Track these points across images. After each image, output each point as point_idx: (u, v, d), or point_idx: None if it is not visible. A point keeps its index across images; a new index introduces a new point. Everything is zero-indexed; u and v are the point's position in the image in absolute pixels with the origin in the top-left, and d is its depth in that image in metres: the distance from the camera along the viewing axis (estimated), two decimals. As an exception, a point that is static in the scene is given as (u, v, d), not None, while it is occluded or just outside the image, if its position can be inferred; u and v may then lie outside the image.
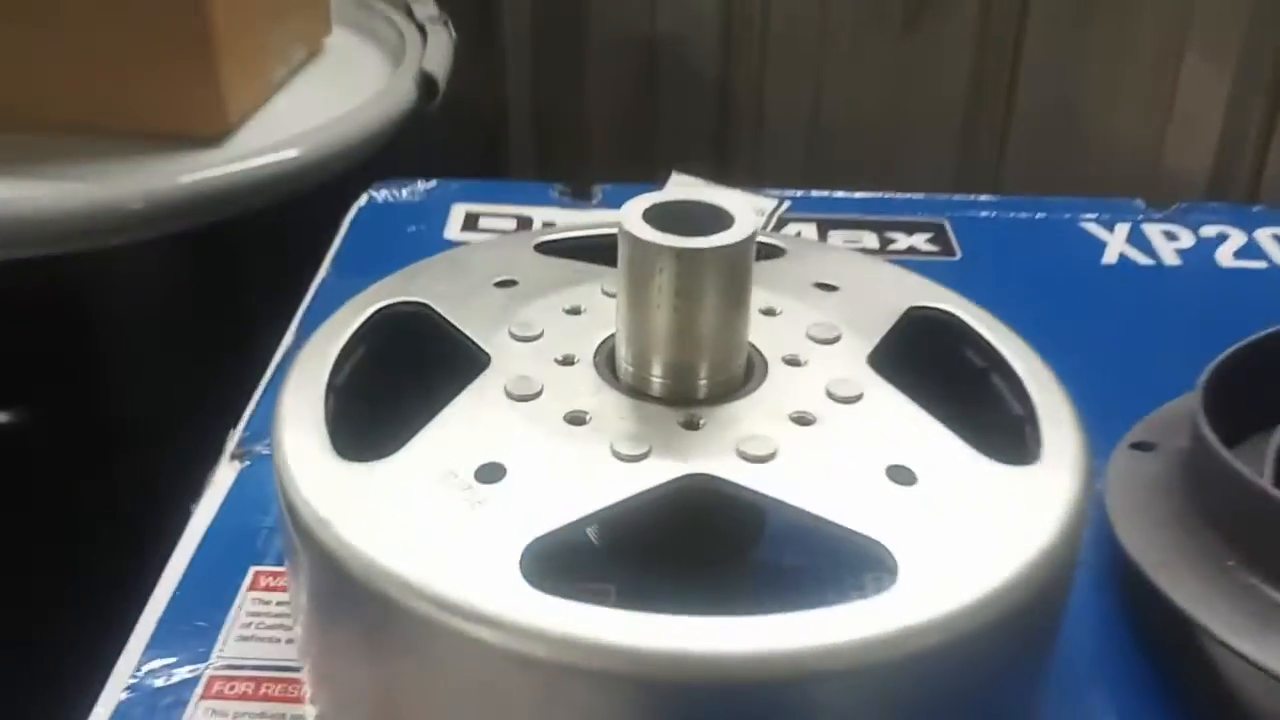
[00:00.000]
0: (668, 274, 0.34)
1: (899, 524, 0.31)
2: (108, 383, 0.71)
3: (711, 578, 0.38)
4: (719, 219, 0.35)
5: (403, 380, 0.39)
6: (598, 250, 0.44)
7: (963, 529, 0.32)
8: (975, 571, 0.30)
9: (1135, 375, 0.51)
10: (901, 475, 0.33)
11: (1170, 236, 0.62)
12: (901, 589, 0.30)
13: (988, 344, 0.40)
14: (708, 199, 0.36)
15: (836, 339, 0.38)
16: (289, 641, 0.38)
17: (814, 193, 0.66)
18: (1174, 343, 0.54)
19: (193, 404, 0.72)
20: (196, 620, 0.39)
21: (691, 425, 0.34)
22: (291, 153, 0.78)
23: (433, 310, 0.40)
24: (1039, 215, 0.64)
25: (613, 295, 0.40)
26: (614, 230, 0.46)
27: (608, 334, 0.38)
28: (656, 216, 0.35)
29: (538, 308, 0.40)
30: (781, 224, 0.63)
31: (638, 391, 0.36)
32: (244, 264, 0.74)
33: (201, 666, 0.37)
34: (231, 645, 0.38)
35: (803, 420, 0.35)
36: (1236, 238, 0.62)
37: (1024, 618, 0.31)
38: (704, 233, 0.34)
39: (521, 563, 0.30)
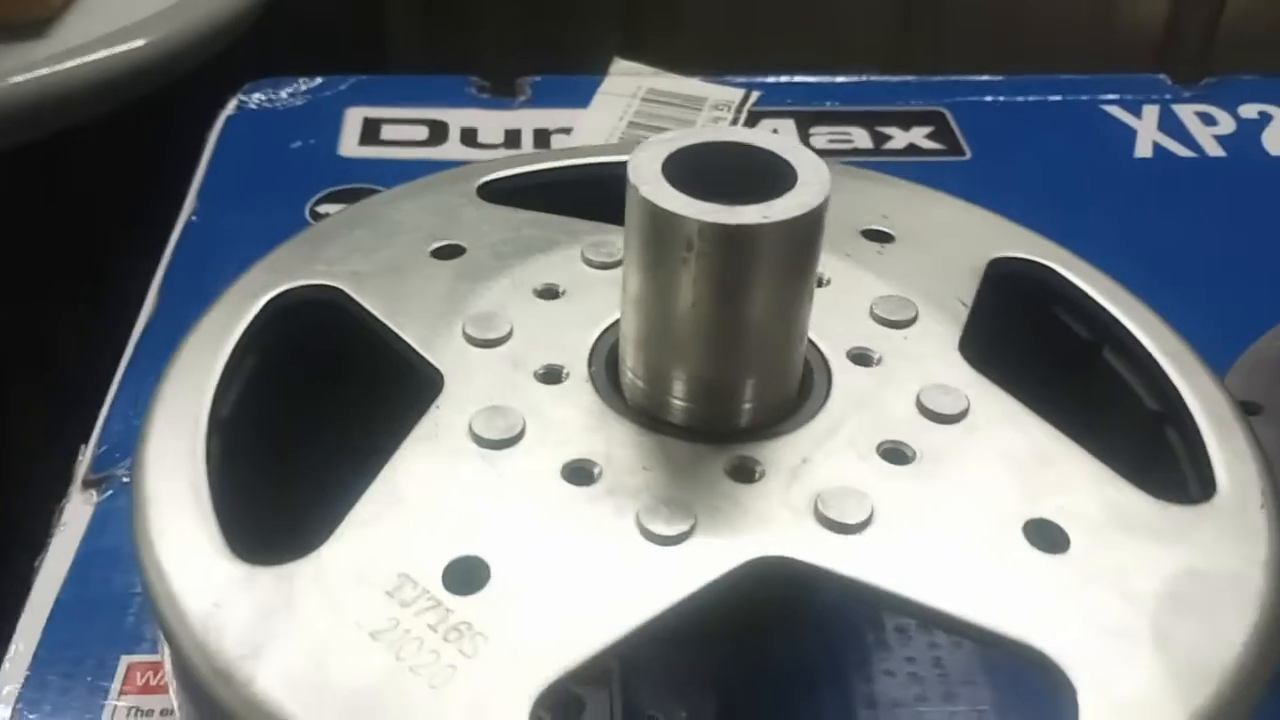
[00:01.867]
0: (707, 259, 0.23)
1: (1062, 618, 0.22)
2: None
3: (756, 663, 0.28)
4: (772, 172, 0.24)
5: (315, 413, 0.28)
6: (568, 190, 0.33)
7: (1145, 616, 0.22)
8: (1178, 683, 0.21)
9: (1204, 303, 0.42)
10: (1048, 536, 0.23)
11: (1207, 120, 0.53)
12: (1090, 729, 0.20)
13: (1100, 309, 0.30)
14: (749, 139, 0.25)
15: (913, 319, 0.28)
16: (183, 768, 0.28)
17: (786, 78, 0.55)
18: (1238, 256, 0.45)
19: (22, 375, 0.59)
20: (50, 744, 0.28)
21: (744, 474, 0.24)
22: (136, 41, 0.63)
23: (351, 300, 0.29)
24: (1053, 98, 0.54)
25: (598, 265, 0.29)
26: (582, 161, 0.35)
27: (600, 329, 0.27)
28: (682, 169, 0.24)
29: (498, 290, 0.29)
30: (753, 120, 0.52)
31: (656, 420, 0.25)
32: (83, 189, 0.61)
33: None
34: (103, 782, 0.28)
35: (897, 455, 0.25)
36: (1282, 118, 0.53)
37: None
38: (754, 194, 0.23)
39: (532, 729, 0.20)
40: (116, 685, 0.29)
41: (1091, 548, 0.23)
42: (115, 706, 0.29)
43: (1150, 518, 0.24)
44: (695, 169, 0.24)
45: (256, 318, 0.28)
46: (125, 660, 0.30)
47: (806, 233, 0.23)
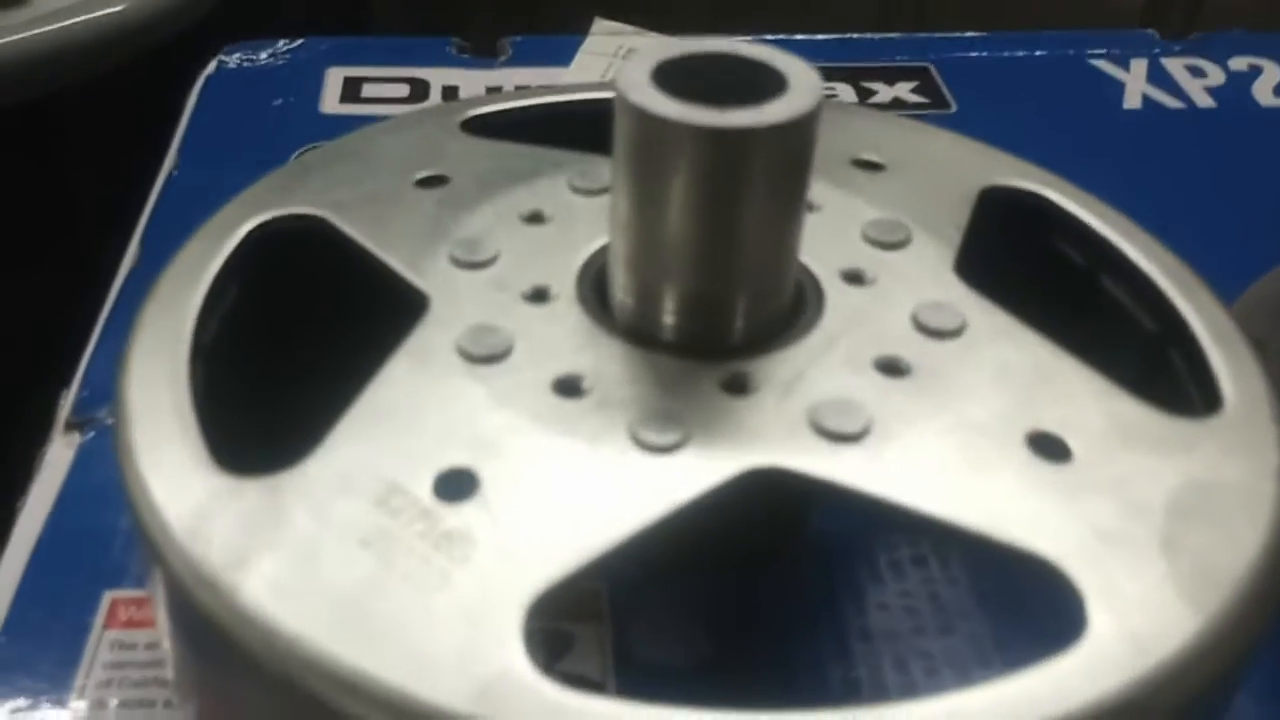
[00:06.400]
0: (698, 167, 0.23)
1: (1067, 526, 0.22)
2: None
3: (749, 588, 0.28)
4: (763, 80, 0.24)
5: (301, 336, 0.27)
6: (552, 125, 0.33)
7: (1153, 524, 0.22)
8: (1190, 589, 0.21)
9: (1196, 254, 0.41)
10: (1050, 448, 0.23)
11: (1196, 72, 0.52)
12: (1099, 639, 0.20)
13: (1096, 234, 0.30)
14: (737, 49, 0.24)
15: (905, 241, 0.28)
16: (169, 705, 0.27)
17: (770, 36, 0.54)
18: (1231, 206, 0.45)
19: (9, 339, 0.58)
20: (31, 679, 0.28)
21: (738, 387, 0.24)
22: (116, 6, 0.63)
23: (334, 227, 0.28)
24: (1038, 53, 0.54)
25: (585, 192, 0.29)
26: (570, 97, 0.35)
27: (589, 252, 0.27)
28: (671, 79, 0.23)
29: (484, 216, 0.28)
30: (739, 76, 0.52)
31: (647, 338, 0.25)
32: (65, 154, 0.60)
33: (43, 758, 0.26)
34: None
35: (893, 369, 0.24)
36: (1271, 71, 0.52)
37: (1250, 650, 0.22)
38: (744, 100, 0.23)
39: (525, 636, 0.19)
40: (99, 619, 0.29)
41: (1095, 458, 0.23)
42: (99, 641, 0.28)
43: (1156, 430, 0.24)
44: (684, 78, 0.23)
45: (239, 247, 0.28)
46: (109, 595, 0.29)
47: (800, 137, 0.23)
